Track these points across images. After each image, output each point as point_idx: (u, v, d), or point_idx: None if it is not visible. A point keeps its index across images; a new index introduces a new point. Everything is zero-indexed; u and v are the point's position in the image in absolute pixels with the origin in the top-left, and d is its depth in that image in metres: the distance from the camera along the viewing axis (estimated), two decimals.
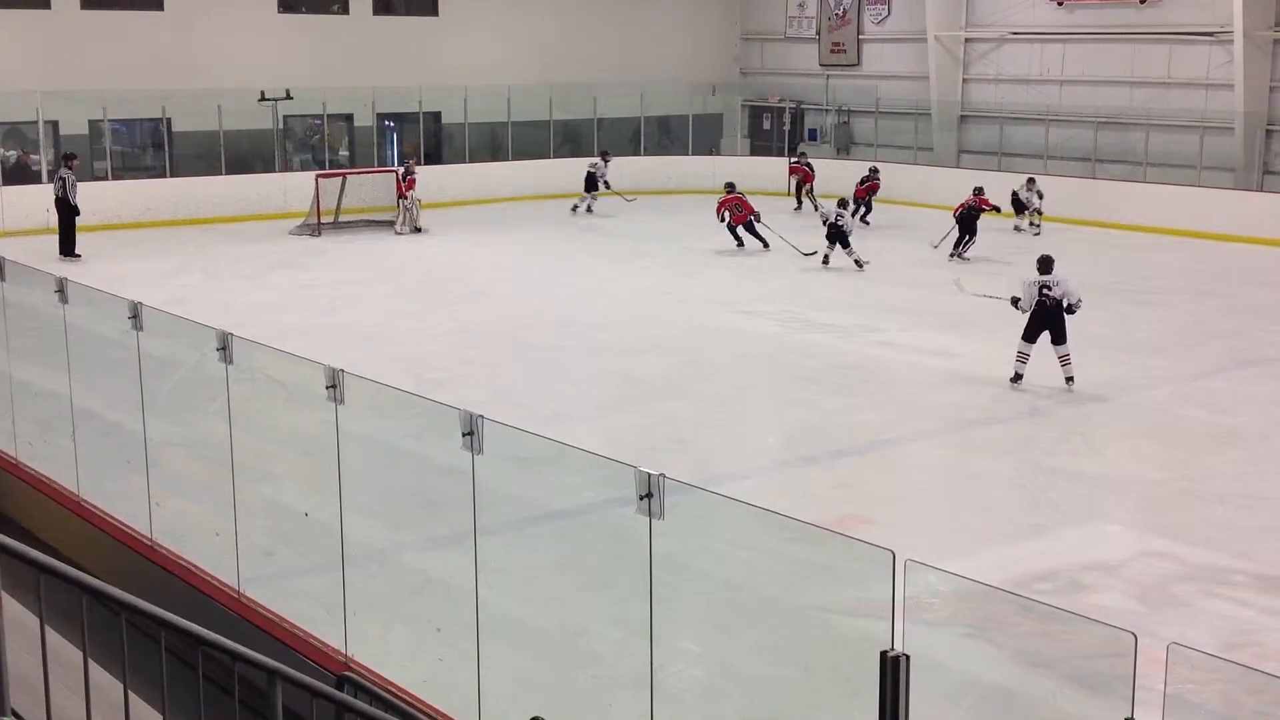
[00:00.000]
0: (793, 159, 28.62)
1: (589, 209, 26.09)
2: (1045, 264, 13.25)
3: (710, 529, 5.96)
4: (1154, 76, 26.35)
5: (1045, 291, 13.08)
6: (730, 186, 22.66)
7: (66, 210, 20.64)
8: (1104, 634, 4.10)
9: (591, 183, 26.19)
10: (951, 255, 20.97)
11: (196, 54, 25.99)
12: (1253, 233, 22.88)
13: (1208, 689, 4.14)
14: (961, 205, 21.37)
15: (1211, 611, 8.15)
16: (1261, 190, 24.34)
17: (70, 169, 20.88)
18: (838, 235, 20.12)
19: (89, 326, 9.99)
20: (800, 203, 27.27)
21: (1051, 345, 13.11)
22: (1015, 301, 13.35)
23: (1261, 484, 10.61)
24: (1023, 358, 13.25)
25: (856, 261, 20.07)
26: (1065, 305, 13.07)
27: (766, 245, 21.68)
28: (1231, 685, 4.25)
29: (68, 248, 20.63)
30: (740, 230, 21.93)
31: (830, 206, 20.69)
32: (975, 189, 21.69)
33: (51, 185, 21.19)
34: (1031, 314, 13.18)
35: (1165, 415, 12.57)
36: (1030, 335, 13.21)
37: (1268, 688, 3.86)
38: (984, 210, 21.44)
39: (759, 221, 21.78)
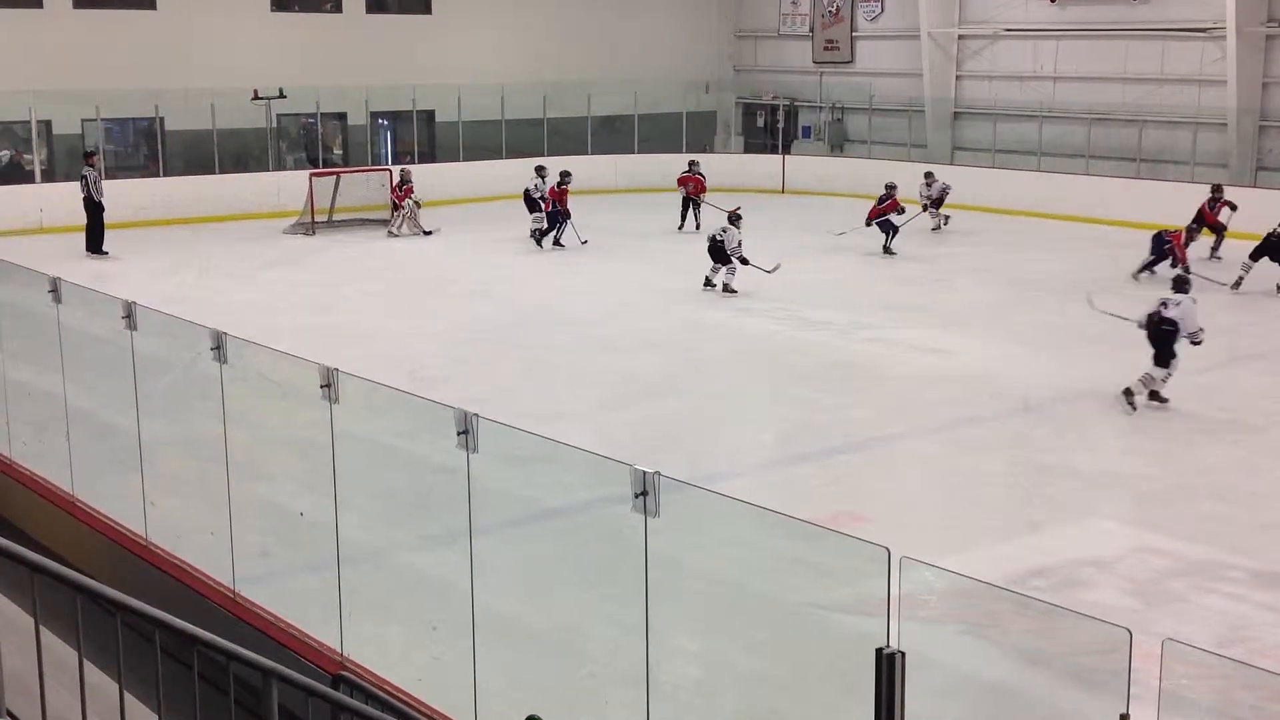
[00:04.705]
0: (685, 169, 24.55)
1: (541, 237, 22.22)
2: (1175, 283, 12.74)
3: (705, 526, 5.96)
4: (1147, 73, 26.38)
5: (1160, 309, 12.45)
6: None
7: (92, 207, 20.59)
8: (1099, 630, 4.11)
9: (532, 205, 22.38)
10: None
11: (189, 53, 25.96)
12: (1246, 228, 22.87)
13: (1203, 684, 4.15)
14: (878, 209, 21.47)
15: (1206, 607, 8.16)
16: (1255, 186, 24.37)
17: (91, 165, 20.84)
18: (716, 252, 17.94)
19: (83, 326, 9.97)
20: (684, 221, 23.87)
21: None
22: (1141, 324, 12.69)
23: (1256, 479, 10.63)
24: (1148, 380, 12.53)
25: (725, 285, 17.87)
26: (1185, 333, 12.33)
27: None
28: (1226, 681, 4.26)
29: (95, 245, 20.59)
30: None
31: (720, 222, 18.51)
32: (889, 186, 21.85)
33: (76, 184, 20.99)
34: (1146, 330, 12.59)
35: (1159, 411, 12.57)
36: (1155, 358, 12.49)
37: (1262, 683, 3.88)
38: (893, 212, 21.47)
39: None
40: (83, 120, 24.60)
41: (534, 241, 22.00)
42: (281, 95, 25.95)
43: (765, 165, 29.92)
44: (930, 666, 4.55)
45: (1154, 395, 12.49)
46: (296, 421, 8.22)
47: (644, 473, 5.18)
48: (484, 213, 25.30)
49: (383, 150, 29.73)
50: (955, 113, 30.03)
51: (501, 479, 6.80)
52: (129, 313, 8.67)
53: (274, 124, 26.62)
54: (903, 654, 4.19)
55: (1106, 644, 4.01)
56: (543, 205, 22.19)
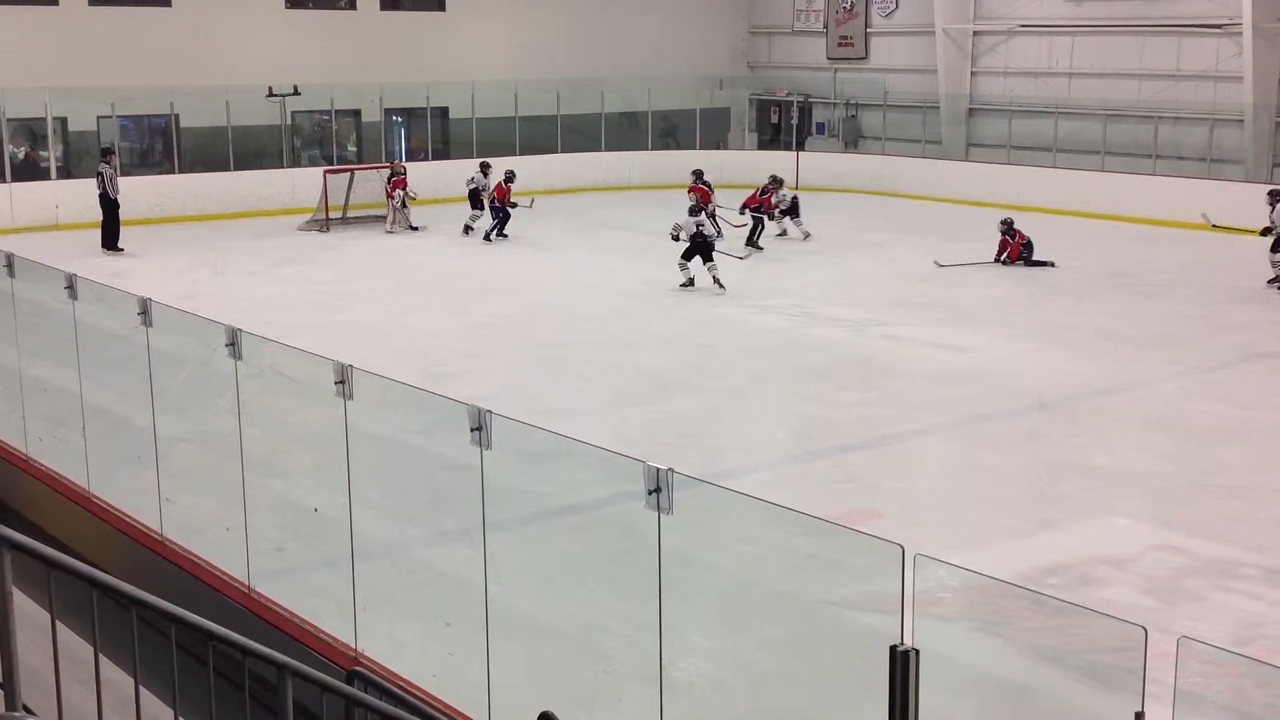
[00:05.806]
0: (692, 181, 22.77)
1: (470, 229, 22.89)
2: None
3: (719, 523, 5.96)
4: (1163, 69, 26.28)
5: None
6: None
7: (108, 205, 20.67)
8: (1114, 628, 4.10)
9: (475, 199, 23.09)
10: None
11: (204, 50, 26.04)
12: (1262, 225, 22.75)
13: (1218, 682, 4.13)
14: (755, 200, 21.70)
15: (1222, 605, 8.13)
16: (1271, 182, 24.22)
17: (108, 163, 20.93)
18: (702, 249, 17.83)
19: (98, 322, 10.01)
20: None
21: None
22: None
23: (1271, 477, 10.58)
24: None
25: (715, 279, 17.66)
26: None
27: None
28: (1242, 678, 4.24)
29: (110, 241, 20.67)
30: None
31: (684, 219, 18.11)
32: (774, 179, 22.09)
33: (92, 181, 21.06)
34: None
35: (1174, 408, 12.53)
36: None
37: (1278, 681, 3.86)
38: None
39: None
40: (98, 117, 24.69)
41: (464, 233, 22.68)
42: (296, 92, 26.02)
43: (779, 162, 29.81)
44: (944, 664, 4.54)
45: None
46: (311, 418, 8.24)
47: (657, 469, 5.17)
48: None
49: (397, 147, 29.77)
50: (970, 109, 29.95)
51: (515, 476, 6.80)
52: (144, 309, 8.70)
53: (288, 121, 26.68)
54: (917, 651, 4.18)
55: (1122, 642, 4.00)
56: (485, 201, 22.75)
